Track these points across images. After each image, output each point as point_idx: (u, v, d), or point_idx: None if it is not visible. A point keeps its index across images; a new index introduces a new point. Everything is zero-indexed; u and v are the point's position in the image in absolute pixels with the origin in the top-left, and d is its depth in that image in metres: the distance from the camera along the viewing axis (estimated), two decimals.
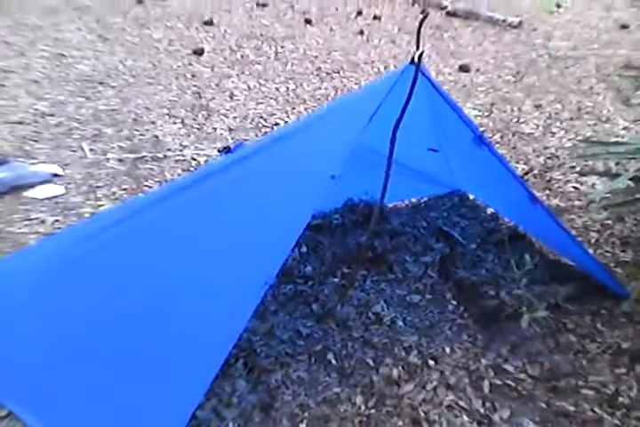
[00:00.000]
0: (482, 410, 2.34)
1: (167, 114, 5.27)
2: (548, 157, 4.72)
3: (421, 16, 2.11)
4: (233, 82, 6.19)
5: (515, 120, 5.47)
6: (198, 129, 5.01)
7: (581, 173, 4.39)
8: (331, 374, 2.47)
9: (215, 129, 5.03)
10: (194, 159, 4.45)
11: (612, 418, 2.30)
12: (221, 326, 1.94)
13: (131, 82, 5.95)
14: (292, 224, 2.00)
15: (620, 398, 2.40)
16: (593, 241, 3.56)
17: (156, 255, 2.12)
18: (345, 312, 2.78)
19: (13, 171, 3.92)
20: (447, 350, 2.65)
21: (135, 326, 2.01)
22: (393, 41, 7.91)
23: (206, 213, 2.13)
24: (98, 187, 4.00)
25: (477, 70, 6.84)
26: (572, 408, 2.35)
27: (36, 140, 4.56)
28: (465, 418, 2.30)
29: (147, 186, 4.05)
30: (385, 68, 6.87)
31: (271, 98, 5.82)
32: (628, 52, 7.54)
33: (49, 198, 3.82)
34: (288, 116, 5.39)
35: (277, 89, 6.08)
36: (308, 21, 8.55)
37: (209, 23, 8.03)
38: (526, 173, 4.42)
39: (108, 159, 4.37)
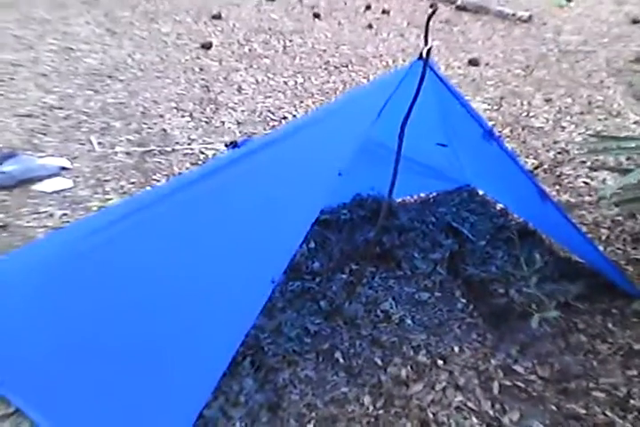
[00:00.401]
0: (491, 412, 2.31)
1: (175, 107, 5.25)
2: (559, 152, 4.67)
3: (430, 11, 2.07)
4: (241, 75, 6.16)
5: (524, 114, 5.42)
6: (206, 122, 4.99)
7: (592, 168, 4.34)
8: (338, 374, 2.45)
9: (223, 123, 5.01)
10: (202, 153, 4.43)
11: (624, 421, 2.27)
12: (229, 324, 1.92)
13: (139, 75, 5.93)
14: (300, 220, 1.99)
15: (632, 401, 2.36)
16: (604, 238, 3.52)
17: (164, 250, 2.10)
18: (353, 310, 2.76)
19: (22, 164, 3.91)
20: (456, 349, 2.63)
21: (142, 322, 2.00)
22: (402, 35, 7.86)
23: (214, 208, 2.11)
24: (106, 180, 3.99)
25: (487, 64, 6.78)
26: (582, 411, 2.32)
27: (44, 134, 4.55)
28: (474, 420, 2.27)
29: (155, 180, 4.03)
30: (393, 61, 6.82)
31: (279, 91, 5.79)
32: (638, 47, 7.45)
33: (57, 192, 3.81)
34: (296, 110, 5.36)
35: (285, 83, 6.05)
36: (316, 15, 8.50)
37: (217, 17, 8.00)
38: (536, 168, 4.39)
39: (116, 153, 4.36)
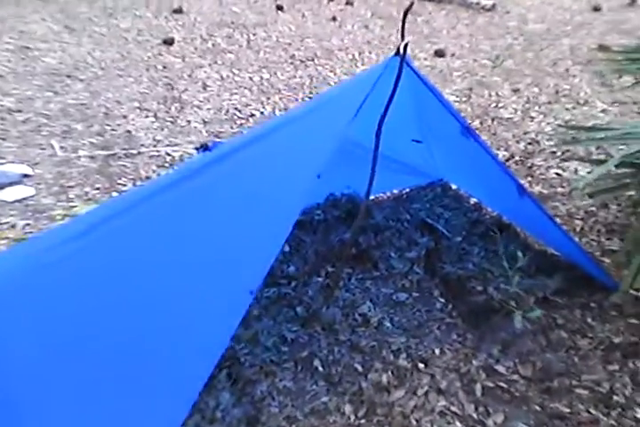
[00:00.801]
0: (475, 415, 2.27)
1: (139, 107, 5.14)
2: (529, 143, 4.65)
3: (407, 6, 2.01)
4: (205, 72, 6.05)
5: (493, 105, 5.40)
6: (172, 122, 4.88)
7: (563, 159, 4.33)
8: (318, 383, 2.39)
9: (189, 122, 4.91)
10: (168, 155, 4.33)
11: (608, 419, 2.24)
12: (208, 336, 1.85)
13: (100, 74, 5.79)
14: (278, 227, 1.92)
15: (615, 397, 2.33)
16: (578, 229, 3.50)
17: (138, 261, 2.01)
18: (330, 314, 2.70)
19: None
20: (437, 351, 2.58)
21: (116, 334, 1.91)
22: (366, 26, 7.80)
23: (189, 215, 2.02)
24: (69, 187, 3.87)
25: (453, 55, 6.76)
26: (566, 410, 2.29)
27: (2, 139, 4.41)
28: (458, 424, 2.23)
29: (120, 184, 3.92)
30: (359, 54, 6.76)
31: (245, 88, 5.70)
32: (601, 34, 7.48)
33: (19, 200, 3.68)
34: (263, 107, 5.27)
35: (251, 78, 5.96)
36: (279, 8, 8.40)
37: (178, 11, 7.86)
38: (507, 160, 4.36)
39: (79, 157, 4.24)
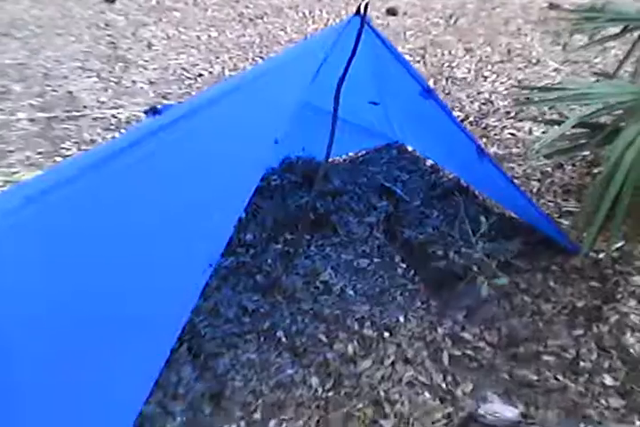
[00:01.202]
0: (443, 385, 2.24)
1: (80, 67, 4.90)
2: (483, 103, 4.60)
3: None
4: (150, 30, 5.81)
5: (447, 65, 5.31)
6: (116, 83, 4.67)
7: (517, 119, 4.30)
8: (282, 355, 2.33)
9: (134, 82, 4.71)
10: (114, 117, 4.15)
11: (576, 385, 2.24)
12: (167, 310, 1.77)
13: (38, 33, 5.51)
14: (236, 196, 1.84)
15: (582, 363, 2.33)
16: (535, 190, 3.48)
17: (87, 234, 1.89)
18: (291, 282, 2.64)
19: None
20: (401, 319, 2.54)
21: (67, 315, 1.80)
22: None
23: (139, 186, 1.90)
24: (9, 151, 3.69)
25: (405, 13, 6.61)
26: (534, 377, 2.27)
27: None
28: (427, 395, 2.20)
29: (64, 148, 3.76)
30: (310, 12, 6.55)
31: (192, 47, 5.49)
32: None
33: None
34: (212, 66, 5.08)
35: (198, 37, 5.75)
36: None
37: None
38: (462, 121, 4.30)
39: (18, 119, 4.03)
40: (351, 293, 2.65)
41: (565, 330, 2.48)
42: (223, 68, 5.06)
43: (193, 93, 4.52)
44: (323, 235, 2.96)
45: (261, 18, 6.33)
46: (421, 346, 2.41)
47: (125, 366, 1.75)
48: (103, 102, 4.34)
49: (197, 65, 5.10)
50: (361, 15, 2.00)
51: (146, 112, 2.34)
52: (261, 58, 5.26)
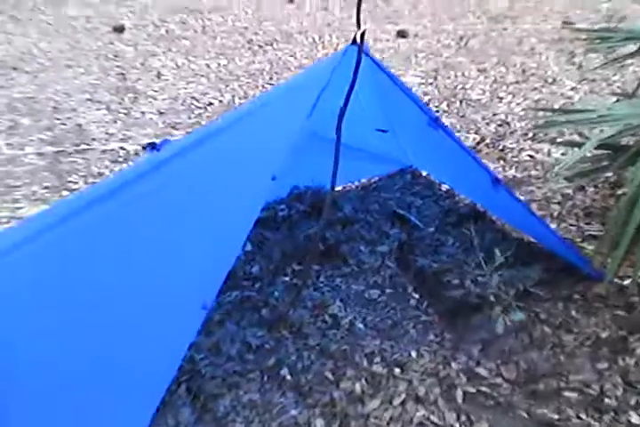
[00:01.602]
0: (457, 425, 2.09)
1: (89, 99, 4.91)
2: (499, 125, 4.52)
3: None
4: (159, 60, 5.83)
5: (460, 86, 5.24)
6: (125, 114, 4.66)
7: (535, 141, 4.19)
8: (286, 394, 2.19)
9: (144, 113, 4.69)
10: (122, 149, 4.11)
11: (600, 424, 2.06)
12: (160, 352, 1.69)
13: (47, 66, 5.55)
14: (233, 231, 1.77)
15: (606, 400, 2.16)
16: (555, 214, 3.35)
17: (83, 269, 1.82)
18: (298, 316, 2.52)
19: None
20: (413, 354, 2.39)
21: (64, 353, 1.72)
22: (325, 8, 7.63)
23: (135, 223, 1.83)
24: (16, 187, 3.65)
25: (416, 35, 6.59)
26: (555, 416, 2.10)
27: None
28: None
29: (71, 182, 3.72)
30: (320, 37, 6.57)
31: (202, 76, 5.50)
32: (563, 9, 7.36)
33: None
34: (222, 95, 5.07)
35: (208, 66, 5.75)
36: None
37: None
38: (478, 143, 4.22)
39: (26, 154, 4.01)
40: (361, 326, 2.52)
41: (588, 363, 2.32)
42: (233, 96, 5.03)
43: (203, 123, 4.49)
44: (332, 265, 2.85)
45: (271, 44, 6.35)
46: (434, 383, 2.25)
47: (118, 406, 1.67)
48: (112, 134, 4.31)
49: (207, 94, 5.08)
50: (358, 44, 1.93)
51: (144, 148, 2.29)
52: (271, 85, 5.24)
